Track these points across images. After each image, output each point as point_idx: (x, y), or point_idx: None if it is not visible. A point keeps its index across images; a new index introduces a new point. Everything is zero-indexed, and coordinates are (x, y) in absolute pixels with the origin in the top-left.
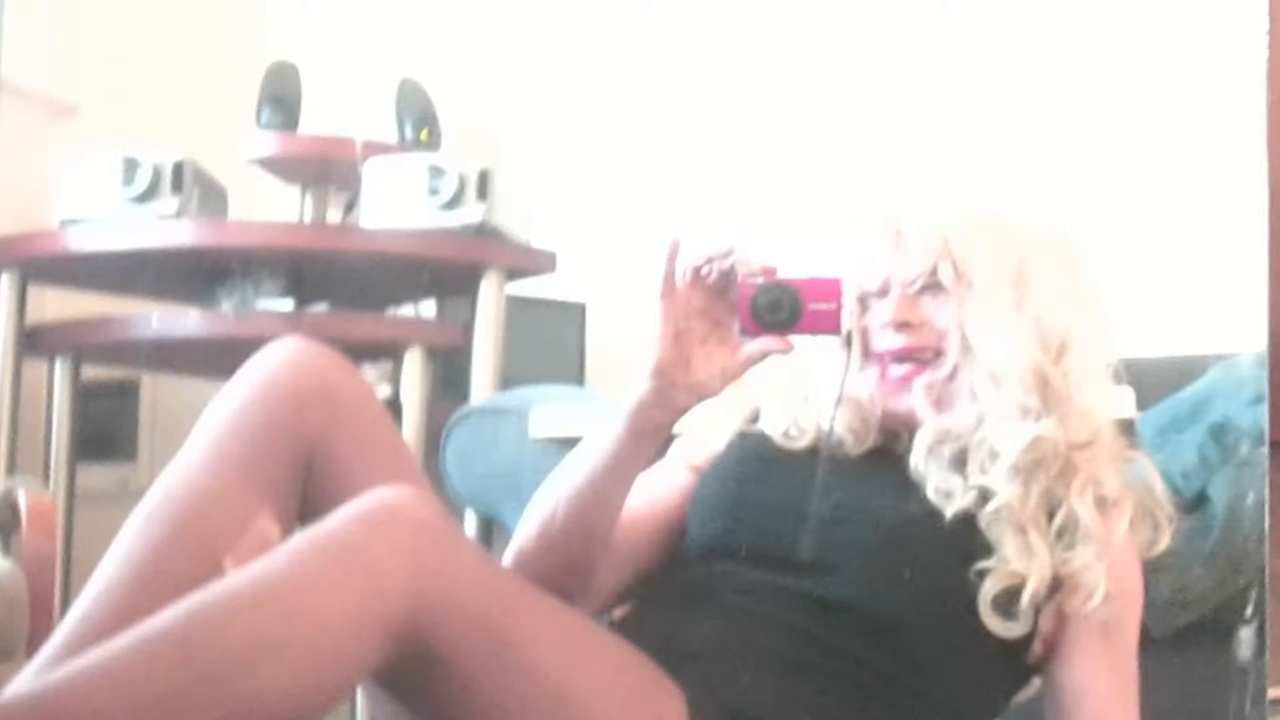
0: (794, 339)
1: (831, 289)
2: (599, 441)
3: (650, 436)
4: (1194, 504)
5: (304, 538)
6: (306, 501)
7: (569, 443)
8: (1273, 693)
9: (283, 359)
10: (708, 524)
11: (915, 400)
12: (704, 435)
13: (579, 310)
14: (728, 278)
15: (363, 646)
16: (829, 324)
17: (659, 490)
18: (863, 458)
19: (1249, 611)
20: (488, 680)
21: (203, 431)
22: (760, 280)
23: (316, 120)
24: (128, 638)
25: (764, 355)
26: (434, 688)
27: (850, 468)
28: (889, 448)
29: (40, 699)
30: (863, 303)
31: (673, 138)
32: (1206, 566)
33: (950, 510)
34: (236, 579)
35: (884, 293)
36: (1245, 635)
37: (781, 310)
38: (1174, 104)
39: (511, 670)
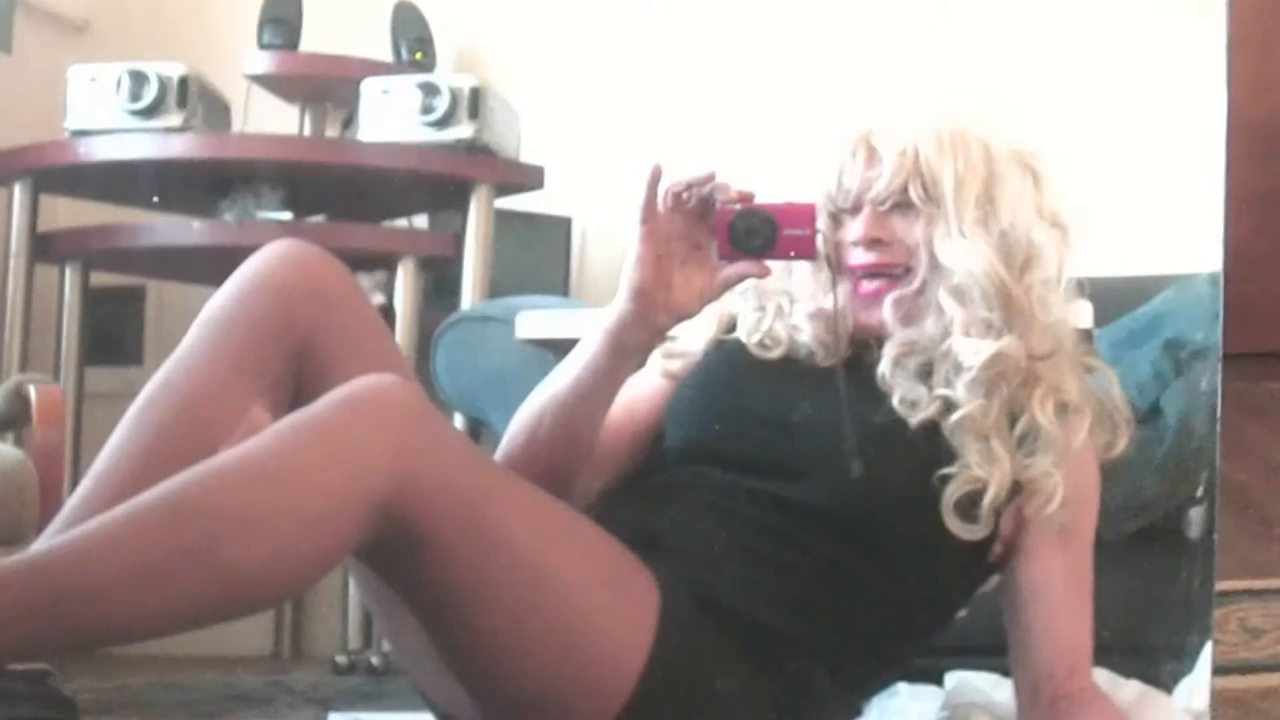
0: (770, 263)
1: (806, 214)
2: (582, 357)
3: (632, 355)
4: (1147, 416)
5: (290, 420)
6: (299, 396)
7: (553, 345)
8: (1220, 586)
9: (276, 258)
10: (683, 429)
11: (885, 314)
12: (681, 343)
13: (565, 224)
14: (707, 203)
15: (346, 523)
16: (804, 249)
17: (638, 398)
18: (833, 368)
19: (1200, 492)
20: (466, 558)
21: (201, 325)
22: (738, 206)
23: (316, 40)
24: (123, 508)
25: (741, 279)
26: (415, 565)
27: (821, 378)
28: (859, 358)
29: (37, 562)
30: (835, 219)
31: (658, 57)
32: (1158, 475)
33: (915, 419)
34: (226, 456)
35: (856, 210)
36: (1195, 515)
37: (758, 236)
38: (1133, 22)
39: (489, 549)
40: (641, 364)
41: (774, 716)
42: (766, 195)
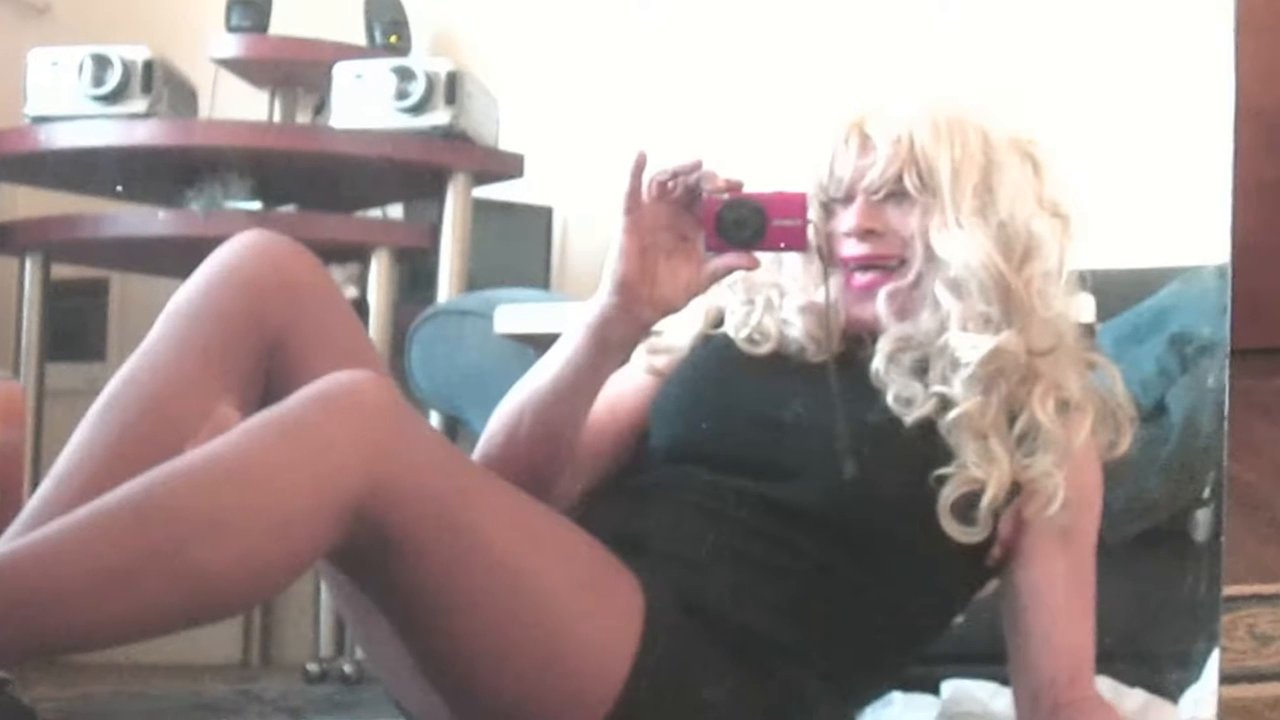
0: (759, 255)
1: (796, 204)
2: (564, 353)
3: (615, 350)
4: (1152, 414)
5: (260, 418)
6: (269, 393)
7: (533, 340)
8: (1228, 590)
9: (245, 249)
10: (669, 427)
11: (879, 308)
12: (667, 338)
13: (545, 214)
14: (693, 193)
15: (318, 525)
16: (794, 240)
17: (622, 396)
18: (825, 364)
19: (1206, 493)
20: (442, 561)
21: (167, 319)
22: (726, 196)
23: (286, 23)
24: (86, 510)
25: (729, 271)
26: (389, 569)
27: (812, 374)
28: (852, 354)
29: None
30: (827, 209)
31: (642, 40)
32: (1163, 475)
33: (910, 417)
34: (192, 456)
35: (849, 200)
36: (1201, 517)
37: (746, 227)
38: (1139, 8)
39: (466, 552)
40: (625, 360)
41: None
42: (755, 184)
